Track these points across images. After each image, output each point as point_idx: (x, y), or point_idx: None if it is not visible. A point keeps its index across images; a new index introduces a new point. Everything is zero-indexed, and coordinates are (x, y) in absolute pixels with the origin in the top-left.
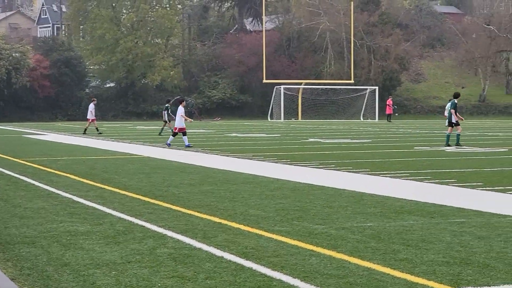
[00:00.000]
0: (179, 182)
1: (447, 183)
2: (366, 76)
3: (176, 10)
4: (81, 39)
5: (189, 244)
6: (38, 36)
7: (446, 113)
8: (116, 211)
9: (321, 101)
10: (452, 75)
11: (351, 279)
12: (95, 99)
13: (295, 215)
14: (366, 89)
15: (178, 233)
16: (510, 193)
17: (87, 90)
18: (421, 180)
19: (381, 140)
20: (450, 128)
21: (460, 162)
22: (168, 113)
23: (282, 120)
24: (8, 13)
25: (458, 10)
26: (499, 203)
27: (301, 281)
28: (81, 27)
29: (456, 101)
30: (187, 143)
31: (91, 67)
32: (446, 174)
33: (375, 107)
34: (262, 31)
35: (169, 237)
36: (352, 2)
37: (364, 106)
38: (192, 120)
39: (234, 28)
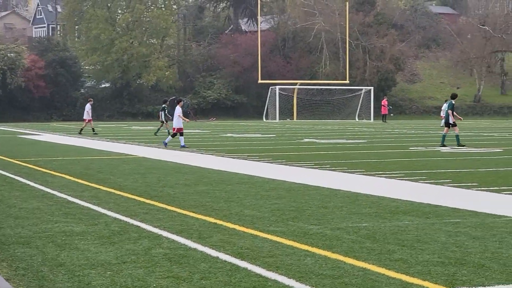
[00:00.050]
0: (174, 182)
1: (442, 184)
2: (361, 76)
3: (172, 10)
4: (76, 39)
5: (184, 244)
6: (33, 36)
7: (442, 114)
8: (111, 211)
9: (316, 101)
10: (447, 76)
11: (346, 279)
12: (92, 100)
13: (290, 216)
14: (361, 89)
15: (173, 233)
16: (505, 194)
17: (82, 91)
18: (416, 181)
19: (376, 140)
20: (446, 128)
21: (455, 162)
22: (165, 114)
23: (277, 120)
24: (3, 13)
25: (453, 10)
26: (494, 203)
27: (296, 281)
28: (76, 27)
29: (453, 102)
30: (182, 144)
31: (86, 68)
32: (441, 174)
33: (370, 107)
34: (257, 31)
35: (164, 237)
36: (347, 3)
37: (359, 107)
38: (188, 120)
39: (230, 28)
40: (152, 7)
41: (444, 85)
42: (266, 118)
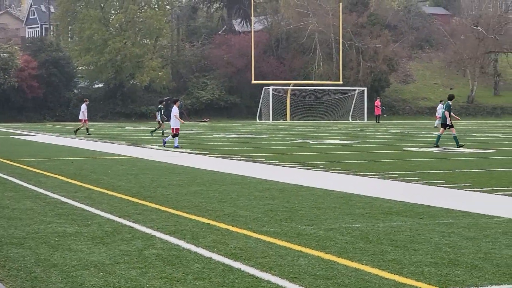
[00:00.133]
0: (167, 183)
1: (435, 184)
2: (354, 77)
3: (165, 10)
4: (69, 39)
5: (177, 245)
6: (26, 36)
7: (438, 114)
8: (105, 212)
9: (310, 102)
10: (440, 76)
11: (340, 280)
12: (87, 100)
13: (283, 216)
14: (355, 90)
15: (166, 234)
16: (498, 194)
17: (75, 91)
18: (409, 181)
19: (370, 141)
20: (442, 129)
21: (449, 163)
22: (161, 114)
23: (270, 121)
24: None
25: (446, 11)
26: (487, 204)
27: (290, 282)
28: (69, 27)
29: (450, 103)
30: (176, 144)
31: (80, 68)
32: (435, 175)
33: (363, 108)
34: (250, 32)
35: (158, 238)
36: (340, 3)
37: (352, 107)
38: (183, 121)
39: (223, 29)
40: (146, 8)
41: (438, 86)
42: (260, 119)
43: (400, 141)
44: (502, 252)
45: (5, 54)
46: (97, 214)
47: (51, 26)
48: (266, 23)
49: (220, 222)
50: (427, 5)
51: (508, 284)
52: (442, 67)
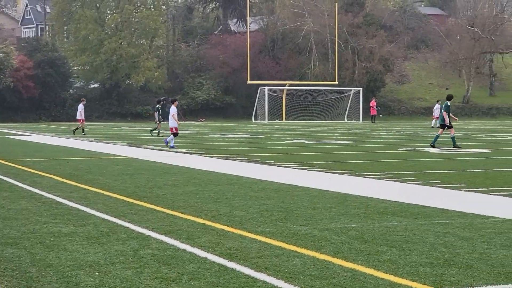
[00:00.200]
0: (163, 183)
1: (431, 184)
2: (350, 77)
3: (161, 11)
4: (65, 39)
5: (173, 245)
6: (22, 36)
7: (435, 114)
8: (100, 212)
9: (305, 102)
10: (436, 77)
11: (335, 280)
12: (84, 100)
13: (279, 216)
14: (350, 90)
15: (162, 234)
16: (493, 194)
17: (71, 91)
18: (405, 181)
19: (365, 141)
20: (441, 130)
21: (444, 163)
22: (159, 114)
23: (266, 121)
24: None
25: (442, 11)
26: (482, 204)
27: (285, 282)
28: (65, 27)
29: (449, 103)
30: (172, 144)
31: (75, 68)
32: (430, 175)
33: (359, 108)
34: (246, 32)
35: (153, 238)
36: (336, 4)
37: (348, 107)
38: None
39: (219, 29)
40: (141, 8)
41: (433, 86)
42: (255, 119)
43: (396, 142)
44: (497, 252)
45: (0, 54)
46: (92, 214)
47: (47, 26)
48: (261, 23)
49: (216, 222)
50: (422, 6)
51: (503, 284)
52: (438, 67)
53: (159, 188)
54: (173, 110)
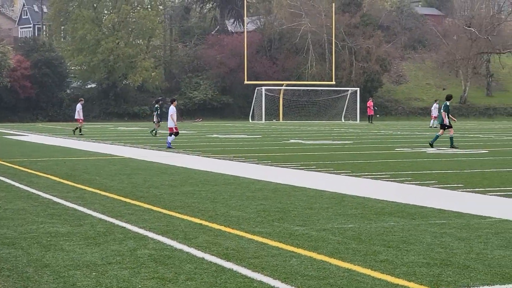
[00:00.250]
0: (160, 183)
1: (427, 185)
2: (347, 77)
3: (158, 11)
4: (62, 39)
5: (170, 245)
6: (19, 36)
7: (433, 113)
8: (97, 212)
9: (303, 102)
10: (433, 77)
11: (332, 281)
12: (83, 99)
13: (276, 216)
14: (348, 90)
15: (159, 234)
16: (490, 195)
17: (68, 91)
18: (402, 182)
19: (363, 141)
20: (441, 130)
21: (441, 163)
22: (157, 114)
23: (263, 121)
24: None
25: (439, 12)
26: (479, 204)
27: (282, 282)
28: (62, 27)
29: (448, 103)
30: (168, 144)
31: (72, 68)
32: (427, 175)
33: (356, 108)
34: (243, 32)
35: (150, 238)
36: (333, 4)
37: (345, 108)
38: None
39: (216, 29)
40: (138, 8)
41: (430, 86)
42: (252, 119)
43: (393, 142)
44: (494, 252)
45: None
46: (89, 214)
47: (44, 26)
48: (259, 24)
49: (213, 223)
50: (419, 6)
51: (500, 284)
52: (435, 67)
53: (156, 188)
54: (171, 110)
